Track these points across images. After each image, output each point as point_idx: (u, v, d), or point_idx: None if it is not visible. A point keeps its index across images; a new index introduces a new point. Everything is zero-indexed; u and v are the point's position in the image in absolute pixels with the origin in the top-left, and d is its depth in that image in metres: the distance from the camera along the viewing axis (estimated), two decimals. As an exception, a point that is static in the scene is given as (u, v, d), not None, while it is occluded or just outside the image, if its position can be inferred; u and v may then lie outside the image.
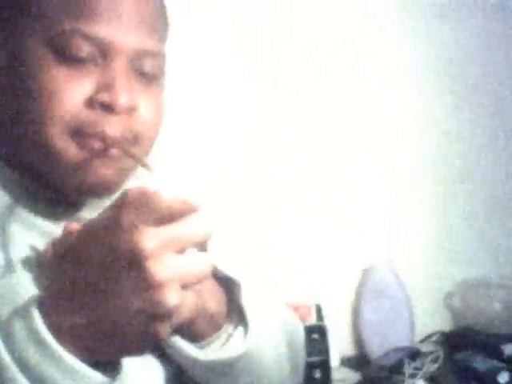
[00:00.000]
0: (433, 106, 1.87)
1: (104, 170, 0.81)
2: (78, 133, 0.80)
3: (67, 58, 0.79)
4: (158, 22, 0.86)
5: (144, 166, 0.79)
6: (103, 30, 0.80)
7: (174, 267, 0.62)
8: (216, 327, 0.82)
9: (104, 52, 0.80)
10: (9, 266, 0.77)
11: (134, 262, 0.61)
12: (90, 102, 0.80)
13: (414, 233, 1.86)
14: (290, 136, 1.74)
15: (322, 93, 1.76)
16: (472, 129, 1.91)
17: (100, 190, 0.83)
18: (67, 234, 0.74)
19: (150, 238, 0.61)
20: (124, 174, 0.84)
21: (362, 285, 1.78)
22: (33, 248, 0.80)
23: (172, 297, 0.62)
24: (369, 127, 1.82)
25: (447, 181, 1.88)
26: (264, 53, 1.70)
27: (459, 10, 1.88)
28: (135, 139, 0.83)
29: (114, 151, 0.81)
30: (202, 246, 0.67)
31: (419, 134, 1.87)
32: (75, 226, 0.73)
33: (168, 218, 0.64)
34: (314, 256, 1.76)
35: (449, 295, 1.85)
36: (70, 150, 0.80)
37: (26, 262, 0.78)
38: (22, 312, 0.66)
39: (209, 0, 1.65)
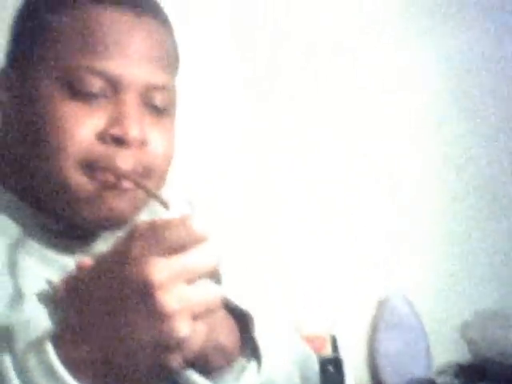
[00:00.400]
0: (444, 116, 1.87)
1: (116, 203, 0.82)
2: (90, 166, 0.81)
3: (79, 93, 0.81)
4: (167, 56, 0.87)
5: (156, 198, 0.80)
6: (114, 65, 0.82)
7: (183, 298, 0.63)
8: (229, 360, 0.81)
9: (115, 87, 0.82)
10: (18, 296, 0.78)
11: (145, 294, 0.62)
12: (102, 136, 0.81)
13: (430, 263, 1.85)
14: (295, 154, 1.75)
15: (324, 102, 1.76)
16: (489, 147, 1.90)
17: (112, 222, 0.84)
18: (79, 269, 0.75)
19: (159, 269, 0.62)
20: (136, 206, 0.85)
21: (377, 316, 1.77)
22: (47, 281, 0.80)
23: (182, 327, 0.62)
24: (381, 152, 1.82)
25: (464, 210, 1.87)
26: (263, 59, 1.71)
27: (466, 12, 1.87)
28: (147, 172, 0.84)
29: (125, 184, 0.82)
30: (214, 276, 0.68)
31: (432, 157, 1.87)
32: (88, 262, 0.74)
33: (178, 248, 0.64)
34: (329, 287, 1.75)
35: (465, 326, 1.83)
36: (82, 183, 0.81)
37: (40, 296, 0.79)
38: (36, 346, 0.66)
39: (207, 7, 1.66)
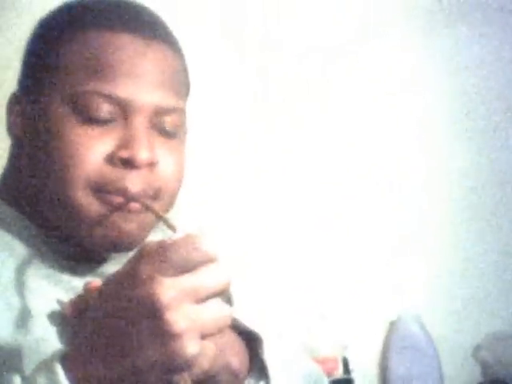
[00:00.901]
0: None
1: (125, 225, 0.83)
2: (100, 189, 0.82)
3: (88, 117, 0.82)
4: (177, 80, 0.88)
5: (163, 220, 0.80)
6: (123, 89, 0.83)
7: (192, 317, 0.62)
8: (238, 381, 0.81)
9: (124, 110, 0.83)
10: (26, 316, 0.78)
11: (153, 313, 0.62)
12: (111, 159, 0.82)
13: (442, 284, 1.85)
14: (312, 179, 1.75)
15: (326, 107, 1.77)
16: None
17: (122, 244, 0.85)
18: (87, 291, 0.75)
19: (167, 289, 0.62)
20: (145, 228, 0.86)
21: (389, 337, 1.77)
22: (57, 302, 0.81)
23: (191, 346, 0.62)
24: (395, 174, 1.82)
25: (476, 232, 1.87)
26: (267, 59, 1.73)
27: (471, 14, 1.86)
28: (156, 194, 0.85)
29: (134, 205, 0.83)
30: (225, 296, 0.68)
31: (448, 182, 1.87)
32: (95, 284, 0.75)
33: (186, 268, 0.64)
34: (340, 308, 1.75)
35: (477, 348, 1.82)
36: (91, 205, 0.82)
37: (49, 316, 0.79)
38: (46, 367, 0.67)
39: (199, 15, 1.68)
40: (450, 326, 1.82)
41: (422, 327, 1.76)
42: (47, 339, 0.77)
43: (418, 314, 1.77)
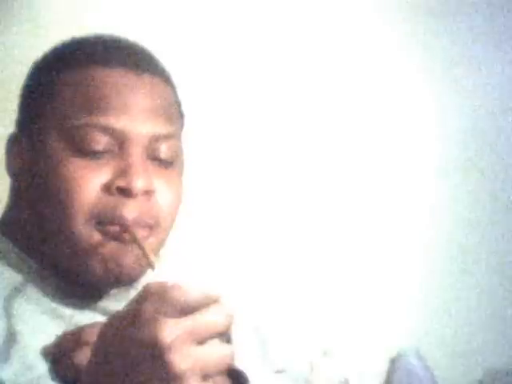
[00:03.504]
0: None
1: (123, 258, 0.84)
2: (99, 219, 0.84)
3: (85, 149, 0.85)
4: (169, 109, 0.91)
5: (146, 257, 0.81)
6: (118, 121, 0.85)
7: (194, 358, 0.63)
8: None
9: (120, 141, 0.85)
10: (24, 350, 0.79)
11: (155, 354, 0.62)
12: (108, 189, 0.84)
13: (442, 320, 1.84)
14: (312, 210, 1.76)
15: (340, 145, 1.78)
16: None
17: (121, 278, 0.86)
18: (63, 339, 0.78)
19: (170, 330, 0.62)
20: (143, 262, 0.86)
21: (389, 374, 1.76)
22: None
23: None
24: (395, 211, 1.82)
25: (475, 267, 1.86)
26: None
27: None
28: (154, 223, 0.86)
29: (126, 236, 0.84)
30: (225, 336, 0.68)
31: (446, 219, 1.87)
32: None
33: (189, 309, 0.65)
34: (341, 344, 1.75)
35: (479, 384, 1.82)
36: (91, 237, 0.84)
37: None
38: None
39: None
40: (451, 362, 1.82)
41: (423, 363, 1.75)
42: (48, 376, 0.78)
43: (419, 350, 1.76)
